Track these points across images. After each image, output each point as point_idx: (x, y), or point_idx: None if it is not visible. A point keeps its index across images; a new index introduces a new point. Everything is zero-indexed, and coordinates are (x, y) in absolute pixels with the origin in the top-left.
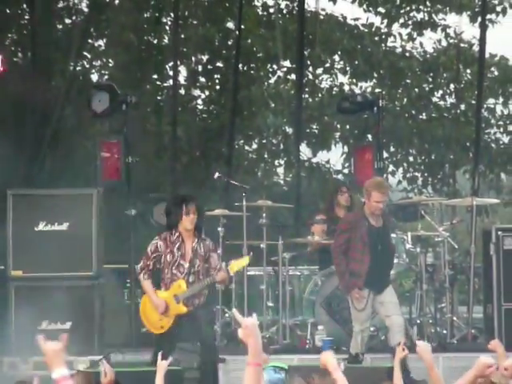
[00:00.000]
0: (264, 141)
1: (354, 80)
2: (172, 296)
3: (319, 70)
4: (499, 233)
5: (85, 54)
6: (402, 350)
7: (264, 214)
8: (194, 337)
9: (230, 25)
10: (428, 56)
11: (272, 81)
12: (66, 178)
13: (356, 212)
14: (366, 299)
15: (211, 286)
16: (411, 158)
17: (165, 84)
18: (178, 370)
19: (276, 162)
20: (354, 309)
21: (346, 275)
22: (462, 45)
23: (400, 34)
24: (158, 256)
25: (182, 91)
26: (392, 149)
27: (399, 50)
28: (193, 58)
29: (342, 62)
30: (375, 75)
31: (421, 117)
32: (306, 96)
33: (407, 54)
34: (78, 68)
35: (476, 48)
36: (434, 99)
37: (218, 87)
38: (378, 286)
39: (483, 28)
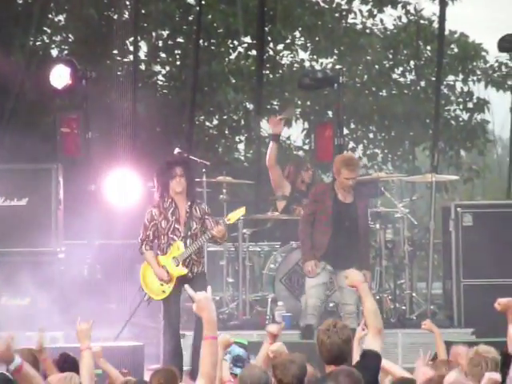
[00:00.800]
0: (225, 117)
1: (315, 56)
2: (171, 259)
3: (280, 46)
4: (458, 209)
5: (44, 28)
6: (362, 330)
7: (224, 190)
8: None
9: (191, 0)
10: (388, 33)
11: (233, 56)
12: (26, 154)
13: (325, 184)
14: (321, 269)
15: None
16: (371, 135)
17: (125, 59)
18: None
19: (237, 138)
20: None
21: (306, 245)
22: (422, 21)
23: (360, 11)
24: (155, 224)
25: (143, 67)
26: (352, 125)
27: (360, 26)
28: (153, 34)
29: (302, 38)
30: (336, 51)
31: (381, 93)
32: (267, 72)
33: (368, 31)
34: (38, 43)
35: (436, 25)
36: (395, 76)
37: (178, 63)
38: (338, 262)
39: (443, 5)
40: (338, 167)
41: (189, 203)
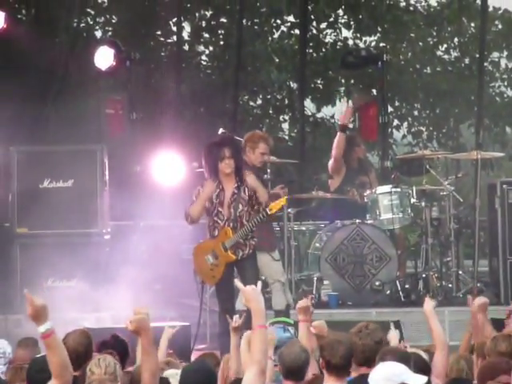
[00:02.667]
0: (268, 96)
1: (358, 34)
2: (219, 244)
3: (323, 25)
4: (504, 186)
5: (88, 10)
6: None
7: (269, 170)
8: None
9: None
10: (432, 10)
11: (276, 36)
12: (71, 135)
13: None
14: None
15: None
16: (416, 113)
17: (168, 40)
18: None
19: (281, 118)
20: (272, 262)
21: None
22: None
23: None
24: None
25: (186, 47)
26: (397, 103)
27: (403, 3)
28: (196, 14)
29: (345, 17)
30: (379, 29)
31: (425, 71)
32: (310, 51)
33: (411, 8)
34: (82, 25)
35: (479, 1)
36: (439, 53)
37: (221, 43)
38: None
39: None
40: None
41: (236, 185)
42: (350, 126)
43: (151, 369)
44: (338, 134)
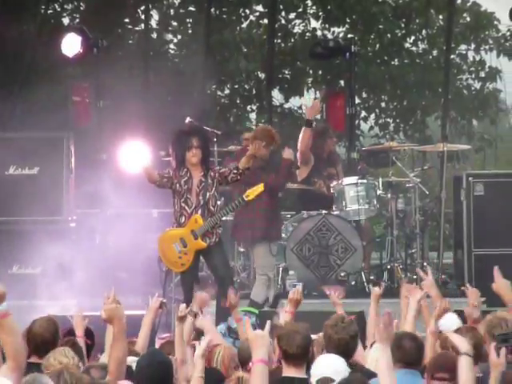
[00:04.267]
0: (236, 86)
1: (327, 25)
2: (189, 232)
3: (292, 15)
4: (470, 179)
5: None
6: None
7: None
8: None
9: None
10: (400, 1)
11: (244, 25)
12: (37, 122)
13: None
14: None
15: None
16: (383, 104)
17: (136, 28)
18: None
19: (248, 108)
20: (269, 255)
21: None
22: None
23: None
24: (169, 177)
25: (154, 35)
26: (364, 95)
27: None
28: (164, 2)
29: (314, 7)
30: (348, 20)
31: (393, 63)
32: (279, 41)
33: (380, 0)
34: (50, 11)
35: None
36: (407, 45)
37: (190, 31)
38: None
39: None
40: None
41: (203, 173)
42: (317, 117)
43: (118, 357)
44: (304, 128)
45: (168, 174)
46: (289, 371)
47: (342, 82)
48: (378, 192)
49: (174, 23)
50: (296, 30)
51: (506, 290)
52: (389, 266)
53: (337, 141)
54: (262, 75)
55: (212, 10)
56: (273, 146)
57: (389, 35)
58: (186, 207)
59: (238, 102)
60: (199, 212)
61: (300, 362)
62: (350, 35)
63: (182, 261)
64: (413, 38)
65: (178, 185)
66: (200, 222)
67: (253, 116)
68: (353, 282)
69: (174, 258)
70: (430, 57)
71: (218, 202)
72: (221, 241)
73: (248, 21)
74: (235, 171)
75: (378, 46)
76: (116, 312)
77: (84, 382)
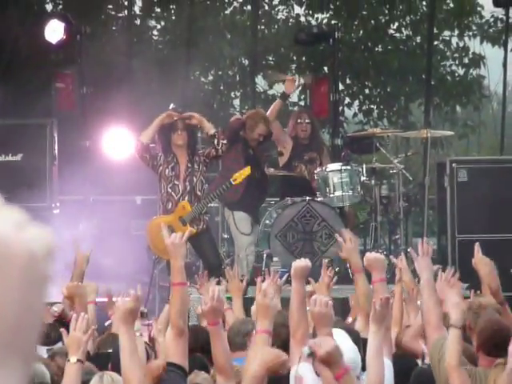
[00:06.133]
0: (220, 72)
1: (310, 11)
2: (177, 219)
3: (275, 1)
4: (453, 165)
5: None
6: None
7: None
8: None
9: None
10: None
11: (228, 11)
12: (20, 109)
13: None
14: (251, 224)
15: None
16: (367, 91)
17: (120, 14)
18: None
19: (232, 94)
20: (238, 234)
21: None
22: None
23: None
24: (156, 154)
25: (138, 22)
26: (348, 81)
27: None
28: None
29: None
30: (331, 7)
31: (377, 49)
32: (262, 27)
33: None
34: None
35: None
36: (390, 31)
37: (173, 18)
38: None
39: None
40: (256, 121)
41: (188, 158)
42: (301, 103)
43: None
44: (278, 100)
45: (156, 151)
46: None
47: (325, 69)
48: (362, 178)
49: (158, 9)
50: (280, 16)
51: (483, 265)
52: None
53: (311, 122)
54: (245, 61)
55: None
56: (263, 128)
57: (372, 21)
58: (173, 193)
59: (222, 88)
60: (186, 198)
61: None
62: (333, 21)
63: None
64: (396, 24)
65: (166, 170)
66: (188, 209)
67: (237, 102)
68: (337, 268)
69: (163, 245)
70: (414, 43)
71: (205, 187)
72: (208, 227)
73: (231, 7)
74: (212, 141)
75: (361, 32)
76: (77, 290)
77: None
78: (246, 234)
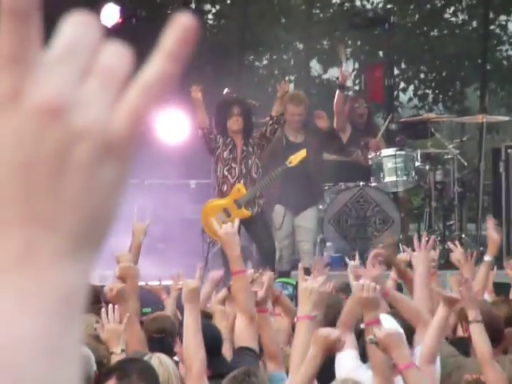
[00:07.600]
0: (275, 57)
1: None
2: (232, 202)
3: None
4: (509, 150)
5: None
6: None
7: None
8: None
9: None
10: None
11: None
12: None
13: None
14: (283, 218)
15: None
16: (422, 75)
17: None
18: None
19: (286, 78)
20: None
21: None
22: None
23: None
24: (215, 136)
25: (193, 5)
26: (403, 66)
27: None
28: None
29: None
30: None
31: (432, 33)
32: (317, 11)
33: None
34: None
35: None
36: (446, 15)
37: (228, 1)
38: (294, 206)
39: None
40: (284, 105)
41: (243, 141)
42: (356, 87)
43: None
44: (338, 92)
45: (214, 134)
46: None
47: (380, 53)
48: (417, 164)
49: None
50: (334, 0)
51: (494, 239)
52: (427, 238)
53: (366, 107)
54: (300, 46)
55: None
56: (293, 109)
57: (428, 5)
58: (229, 176)
59: (276, 72)
60: (241, 181)
61: None
62: (389, 5)
63: None
64: (452, 8)
65: (224, 153)
66: (243, 192)
67: (291, 87)
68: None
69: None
70: (470, 27)
71: (260, 170)
72: (263, 211)
73: None
74: (270, 122)
75: (417, 16)
76: (129, 271)
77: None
78: (276, 228)
